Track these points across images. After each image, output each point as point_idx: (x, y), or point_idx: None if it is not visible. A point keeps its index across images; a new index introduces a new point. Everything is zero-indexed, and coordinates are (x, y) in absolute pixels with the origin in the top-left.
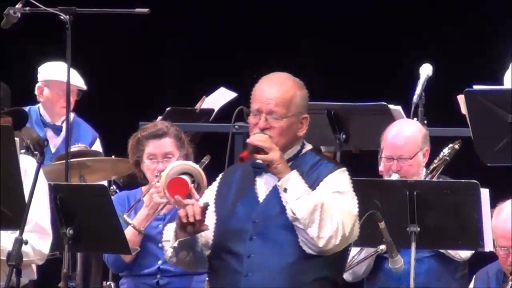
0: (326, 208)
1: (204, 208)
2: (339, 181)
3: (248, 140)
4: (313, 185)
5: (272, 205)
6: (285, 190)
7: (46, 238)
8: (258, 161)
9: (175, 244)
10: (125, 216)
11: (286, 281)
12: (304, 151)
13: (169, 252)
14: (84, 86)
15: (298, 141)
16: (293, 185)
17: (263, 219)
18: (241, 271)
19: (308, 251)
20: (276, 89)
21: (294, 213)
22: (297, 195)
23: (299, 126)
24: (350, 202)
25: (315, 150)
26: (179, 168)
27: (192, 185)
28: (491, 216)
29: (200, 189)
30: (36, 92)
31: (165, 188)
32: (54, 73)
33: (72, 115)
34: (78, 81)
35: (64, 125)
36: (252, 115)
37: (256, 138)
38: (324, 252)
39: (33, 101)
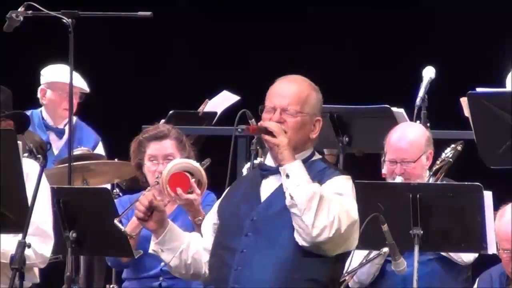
0: (325, 199)
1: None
2: (342, 184)
3: (260, 122)
4: None
5: (272, 204)
6: (287, 176)
7: (48, 241)
8: (267, 163)
9: (154, 248)
10: (116, 221)
11: (275, 277)
12: (314, 158)
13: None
14: (87, 88)
15: (310, 144)
16: (296, 173)
17: (262, 217)
18: (232, 264)
19: (301, 241)
20: (292, 88)
21: (292, 198)
22: (298, 182)
23: (312, 128)
24: (350, 204)
25: (325, 160)
26: (180, 165)
27: (193, 180)
28: (494, 219)
29: (201, 186)
30: (38, 95)
31: (166, 183)
32: (57, 75)
33: (74, 118)
34: (80, 83)
35: (66, 128)
36: (265, 111)
37: (268, 123)
38: (316, 244)
39: (35, 105)
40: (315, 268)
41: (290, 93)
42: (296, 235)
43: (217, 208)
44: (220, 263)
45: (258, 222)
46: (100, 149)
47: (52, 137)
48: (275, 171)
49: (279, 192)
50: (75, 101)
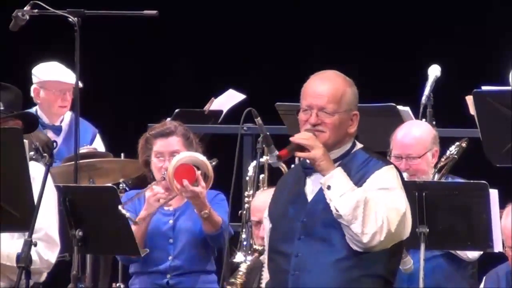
0: (370, 205)
1: None
2: (386, 177)
3: (291, 138)
4: (359, 182)
5: (319, 203)
6: (328, 187)
7: (54, 248)
8: (307, 161)
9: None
10: (120, 207)
11: (334, 278)
12: (354, 149)
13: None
14: (80, 84)
15: (349, 138)
16: (336, 182)
17: (311, 218)
18: (289, 270)
19: (354, 247)
20: (327, 85)
21: (337, 210)
22: (340, 192)
23: (350, 123)
24: (397, 198)
25: (366, 148)
26: (186, 158)
27: (199, 172)
28: (500, 217)
29: (207, 179)
30: (32, 95)
31: (172, 175)
32: (48, 73)
33: (69, 113)
34: (73, 79)
35: (63, 125)
36: (302, 111)
37: (299, 136)
38: (370, 249)
39: (30, 104)
40: (373, 264)
41: (326, 92)
42: (348, 241)
43: (267, 212)
44: (277, 269)
45: (309, 223)
46: (98, 142)
47: (50, 135)
48: None
49: None
50: (69, 97)
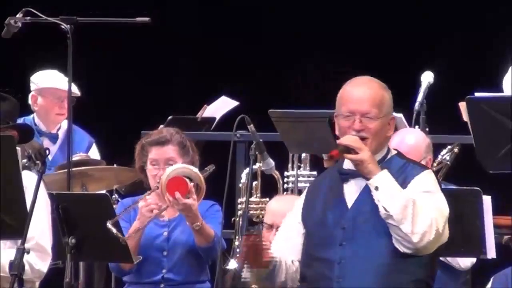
0: (418, 204)
1: None
2: (428, 181)
3: (338, 141)
4: (402, 186)
5: (361, 210)
6: (376, 188)
7: (46, 258)
8: (345, 167)
9: None
10: (108, 224)
11: (378, 283)
12: (390, 155)
13: None
14: (77, 92)
15: (386, 142)
16: (384, 183)
17: (352, 225)
18: (332, 277)
19: (403, 249)
20: (367, 91)
21: (387, 210)
22: (389, 193)
23: (388, 127)
24: (441, 201)
25: (400, 154)
26: (178, 171)
27: (192, 184)
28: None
29: (199, 191)
30: (30, 102)
31: (164, 188)
32: (46, 80)
33: (66, 122)
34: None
35: (59, 133)
36: (342, 118)
37: (346, 139)
38: (419, 250)
39: (27, 111)
40: (417, 268)
41: (367, 97)
42: (396, 243)
43: (300, 217)
44: (319, 276)
45: (350, 230)
46: (94, 151)
47: (46, 142)
48: (356, 174)
49: (365, 195)
50: (67, 105)
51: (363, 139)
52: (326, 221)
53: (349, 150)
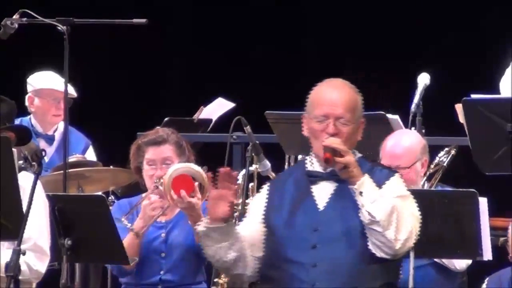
0: (400, 211)
1: None
2: (399, 186)
3: (324, 143)
4: None
5: (333, 212)
6: (361, 193)
7: (44, 258)
8: (313, 169)
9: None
10: (123, 219)
11: (352, 286)
12: (356, 157)
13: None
14: (74, 93)
15: (354, 146)
16: (368, 188)
17: (326, 227)
18: (307, 280)
19: (381, 254)
20: (341, 95)
21: (372, 216)
22: (372, 198)
23: (359, 131)
24: (413, 205)
25: (365, 157)
26: (182, 169)
27: (196, 183)
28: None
29: (203, 190)
30: (26, 103)
31: (169, 186)
32: (43, 82)
33: (62, 123)
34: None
35: (56, 134)
36: (316, 121)
37: (332, 141)
38: (397, 256)
39: (24, 113)
40: (388, 272)
41: (342, 102)
42: (374, 248)
43: (261, 217)
44: (289, 278)
45: (323, 232)
46: (90, 153)
47: (42, 144)
48: (326, 177)
49: (337, 197)
50: (63, 107)
51: None
52: (294, 223)
53: (335, 152)
